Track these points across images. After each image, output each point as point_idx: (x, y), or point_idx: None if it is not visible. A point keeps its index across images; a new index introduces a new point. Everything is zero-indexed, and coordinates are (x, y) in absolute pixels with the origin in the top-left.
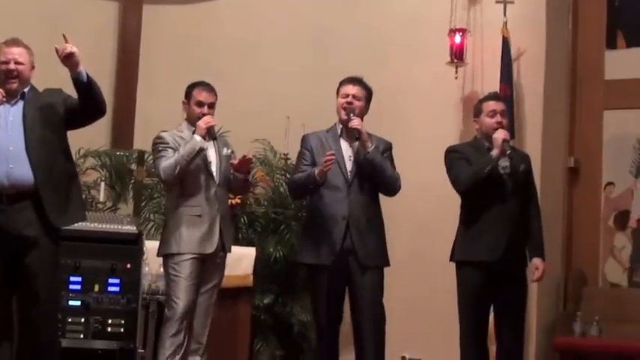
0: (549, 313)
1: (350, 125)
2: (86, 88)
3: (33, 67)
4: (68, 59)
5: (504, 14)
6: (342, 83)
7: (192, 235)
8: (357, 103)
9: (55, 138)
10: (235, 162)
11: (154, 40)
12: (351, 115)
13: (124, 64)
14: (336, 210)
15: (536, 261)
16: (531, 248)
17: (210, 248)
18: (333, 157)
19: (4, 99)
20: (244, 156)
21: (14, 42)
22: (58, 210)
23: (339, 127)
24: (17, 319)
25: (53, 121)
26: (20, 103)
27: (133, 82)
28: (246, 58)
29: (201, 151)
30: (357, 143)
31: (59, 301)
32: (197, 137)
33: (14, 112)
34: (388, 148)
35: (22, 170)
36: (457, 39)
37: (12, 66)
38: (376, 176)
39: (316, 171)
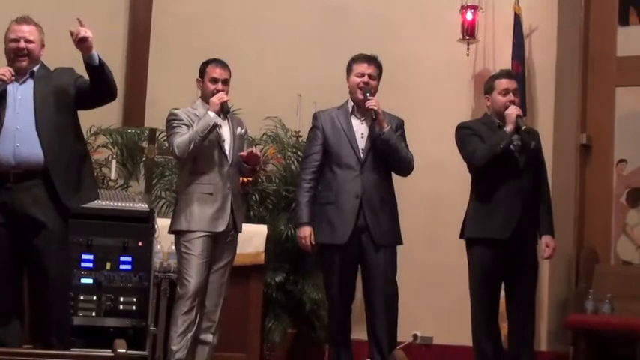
0: (561, 290)
1: (367, 105)
2: (98, 71)
3: (43, 46)
4: (82, 43)
5: None
6: (355, 60)
7: (203, 213)
8: (373, 82)
9: (66, 118)
10: (244, 154)
11: (164, 19)
12: (368, 94)
13: (135, 42)
14: (349, 188)
15: (546, 238)
16: (542, 225)
17: (222, 226)
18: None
19: (13, 77)
20: (251, 150)
21: (24, 20)
22: (69, 190)
23: (351, 104)
24: (28, 297)
25: (64, 101)
26: (30, 82)
27: (144, 60)
28: (256, 36)
29: (215, 127)
30: (369, 122)
31: (70, 279)
32: (211, 113)
33: (23, 91)
34: (400, 126)
35: (30, 149)
36: (469, 16)
37: (22, 44)
38: (391, 156)
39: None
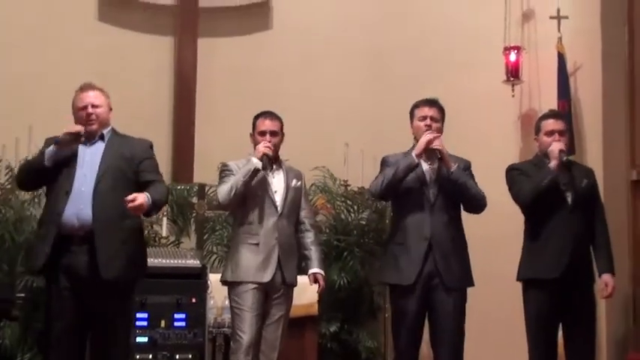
0: (619, 329)
1: (433, 146)
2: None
3: (110, 109)
4: (137, 211)
5: (559, 29)
6: (417, 106)
7: (248, 263)
8: (436, 125)
9: (125, 189)
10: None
11: (209, 73)
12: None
13: (182, 97)
14: (418, 230)
15: (606, 277)
16: (600, 264)
17: (267, 277)
18: None
19: (83, 139)
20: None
21: (88, 86)
22: (109, 258)
23: None
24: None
25: (126, 174)
26: (99, 145)
27: (191, 115)
28: (302, 86)
29: (257, 172)
30: (436, 164)
31: (129, 342)
32: (254, 159)
33: (92, 153)
34: (468, 166)
35: (88, 212)
36: (512, 57)
37: (90, 109)
38: (461, 195)
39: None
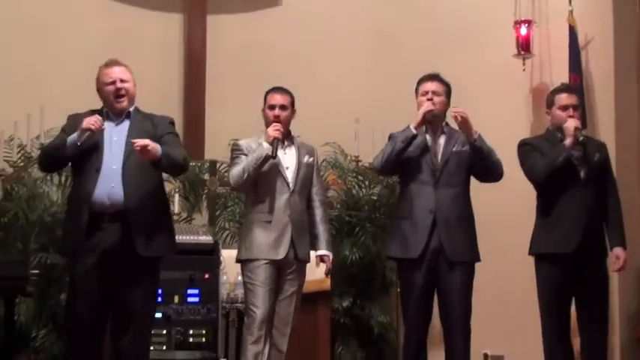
0: (632, 303)
1: (455, 113)
2: (162, 166)
3: (135, 85)
4: (144, 154)
5: (569, 3)
6: (419, 82)
7: (261, 241)
8: (437, 99)
9: (151, 167)
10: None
11: (219, 50)
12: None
13: (192, 75)
14: (423, 204)
15: (617, 250)
16: (612, 238)
17: (281, 254)
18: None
19: (103, 127)
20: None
21: (113, 62)
22: (144, 235)
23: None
24: (110, 335)
25: None
26: (126, 123)
27: (201, 92)
28: (311, 63)
29: (268, 158)
30: (443, 138)
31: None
32: (265, 144)
33: (119, 132)
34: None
35: (119, 190)
36: (523, 31)
37: (119, 84)
38: (483, 162)
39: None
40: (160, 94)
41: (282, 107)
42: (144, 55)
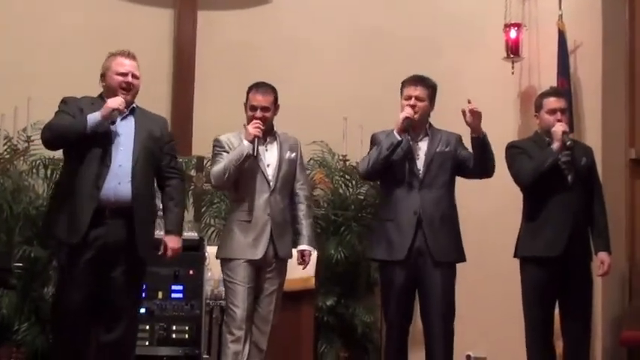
0: (615, 307)
1: (469, 107)
2: None
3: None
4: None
5: (559, 7)
6: (403, 84)
7: (240, 241)
8: (420, 104)
9: (152, 165)
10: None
11: (208, 46)
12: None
13: (181, 71)
14: (408, 206)
15: (602, 255)
16: (597, 242)
17: (258, 254)
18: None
19: (126, 110)
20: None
21: (130, 55)
22: (144, 236)
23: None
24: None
25: (155, 154)
26: (130, 119)
27: (190, 88)
28: (300, 61)
29: (249, 157)
30: (426, 140)
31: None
32: (245, 143)
33: (124, 127)
34: (459, 139)
35: (127, 187)
36: (512, 34)
37: (129, 79)
38: (486, 158)
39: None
40: (148, 89)
41: (264, 109)
42: (133, 50)
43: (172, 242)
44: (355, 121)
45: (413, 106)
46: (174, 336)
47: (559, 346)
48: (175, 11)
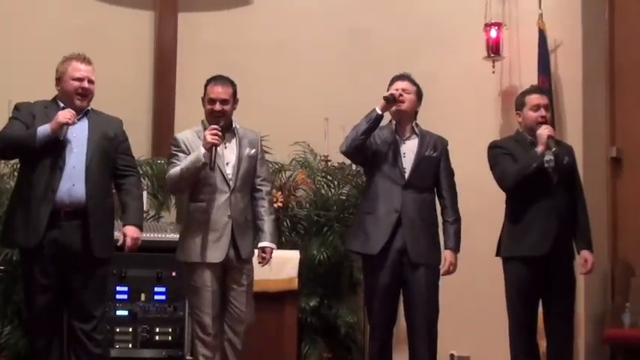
0: (597, 305)
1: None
2: None
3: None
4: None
5: (539, 6)
6: (391, 81)
7: (198, 244)
8: (407, 96)
9: (107, 165)
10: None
11: (189, 48)
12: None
13: (162, 72)
14: (389, 202)
15: (585, 253)
16: (579, 241)
17: (218, 258)
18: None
19: (76, 120)
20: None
21: (86, 60)
22: (99, 237)
23: (394, 124)
24: (66, 333)
25: (109, 154)
26: (84, 121)
27: (171, 89)
28: (282, 62)
29: (204, 166)
30: (415, 140)
31: (106, 313)
32: (202, 149)
33: (78, 130)
34: (445, 145)
35: (81, 188)
36: (493, 33)
37: (86, 84)
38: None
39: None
40: (129, 91)
41: (223, 102)
42: (114, 51)
43: (131, 232)
44: (337, 121)
45: (400, 95)
46: (157, 338)
47: (542, 344)
48: (156, 13)
